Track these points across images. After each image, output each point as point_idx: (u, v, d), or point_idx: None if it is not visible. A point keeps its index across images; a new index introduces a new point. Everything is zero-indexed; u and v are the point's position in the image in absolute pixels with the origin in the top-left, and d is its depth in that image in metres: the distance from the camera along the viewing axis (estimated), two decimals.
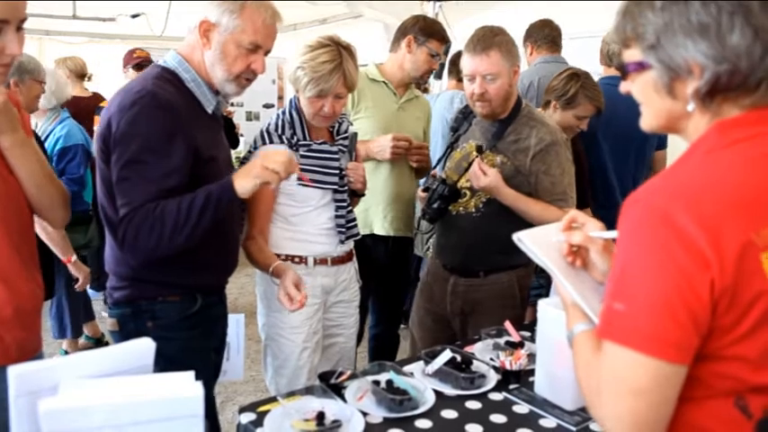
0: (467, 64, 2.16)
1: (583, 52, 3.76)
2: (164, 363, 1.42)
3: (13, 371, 0.96)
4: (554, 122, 2.29)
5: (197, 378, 1.77)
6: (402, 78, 2.76)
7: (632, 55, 0.98)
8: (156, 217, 1.57)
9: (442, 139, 3.26)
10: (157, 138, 1.59)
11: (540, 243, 1.19)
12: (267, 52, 1.75)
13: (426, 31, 2.69)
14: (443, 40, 2.75)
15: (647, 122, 1.03)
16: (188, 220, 1.58)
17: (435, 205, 2.22)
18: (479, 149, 2.19)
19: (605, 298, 0.94)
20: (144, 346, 1.09)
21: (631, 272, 0.90)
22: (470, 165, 2.15)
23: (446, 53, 3.43)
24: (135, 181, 1.58)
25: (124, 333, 1.73)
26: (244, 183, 1.61)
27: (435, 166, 2.39)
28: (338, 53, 2.04)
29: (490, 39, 2.12)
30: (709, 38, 0.88)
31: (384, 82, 2.74)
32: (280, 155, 1.66)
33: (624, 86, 1.04)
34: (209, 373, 1.89)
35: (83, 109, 4.93)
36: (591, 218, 1.18)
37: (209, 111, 1.77)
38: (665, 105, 0.97)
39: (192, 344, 1.77)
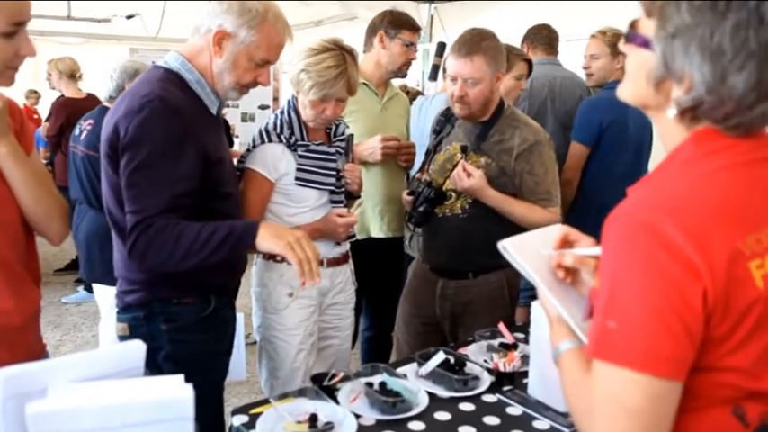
0: (450, 65, 2.17)
1: (579, 53, 3.77)
2: (178, 366, 1.43)
3: (2, 373, 0.95)
4: (537, 124, 2.30)
5: (212, 381, 1.78)
6: (381, 76, 2.77)
7: (647, 28, 0.94)
8: (171, 235, 1.55)
9: None
10: (168, 142, 1.57)
11: (526, 253, 1.15)
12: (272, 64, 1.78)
13: (395, 23, 2.72)
14: (414, 28, 2.77)
15: (624, 95, 1.01)
16: (203, 248, 1.56)
17: (421, 209, 2.22)
18: (464, 150, 2.19)
19: (595, 315, 0.92)
20: (134, 349, 1.09)
21: (620, 288, 0.87)
22: (455, 167, 2.15)
23: (440, 54, 3.44)
24: (145, 187, 1.56)
25: (135, 337, 1.64)
26: (267, 238, 1.59)
27: (420, 170, 2.38)
28: (343, 58, 2.05)
29: (476, 43, 2.11)
30: (716, 65, 0.86)
31: (365, 83, 2.73)
32: (315, 249, 1.63)
33: (623, 47, 1.00)
34: (222, 376, 1.89)
35: (78, 110, 4.92)
36: (583, 234, 1.15)
37: (214, 112, 1.77)
38: (646, 92, 0.95)
39: (207, 346, 1.77)
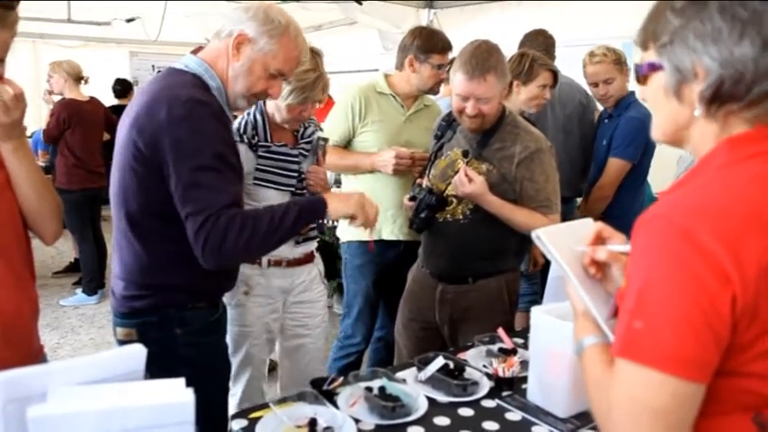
0: (461, 85, 2.13)
1: (577, 59, 3.78)
2: (193, 368, 1.45)
3: (1, 377, 0.95)
4: (538, 131, 2.30)
5: (222, 381, 1.84)
6: (410, 92, 2.77)
7: (648, 56, 1.00)
8: (246, 219, 1.55)
9: None
10: (221, 146, 1.58)
11: (559, 244, 1.16)
12: (285, 79, 1.80)
13: (424, 48, 2.68)
14: (444, 49, 2.73)
15: (656, 131, 1.04)
16: (281, 225, 1.60)
17: (423, 215, 2.22)
18: (465, 154, 2.20)
19: (621, 315, 0.93)
20: (135, 353, 1.08)
21: (651, 289, 0.88)
22: (457, 172, 2.16)
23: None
24: (210, 187, 1.54)
25: (145, 342, 1.57)
26: (340, 207, 1.74)
27: (422, 175, 2.39)
28: (316, 61, 2.10)
29: (487, 61, 2.09)
30: (719, 43, 0.90)
31: (392, 95, 2.75)
32: (376, 208, 1.82)
33: (641, 92, 1.05)
34: (229, 375, 1.93)
35: (80, 112, 4.92)
36: (616, 232, 1.16)
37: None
38: (672, 109, 0.98)
39: (216, 348, 1.82)
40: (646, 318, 0.87)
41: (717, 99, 0.92)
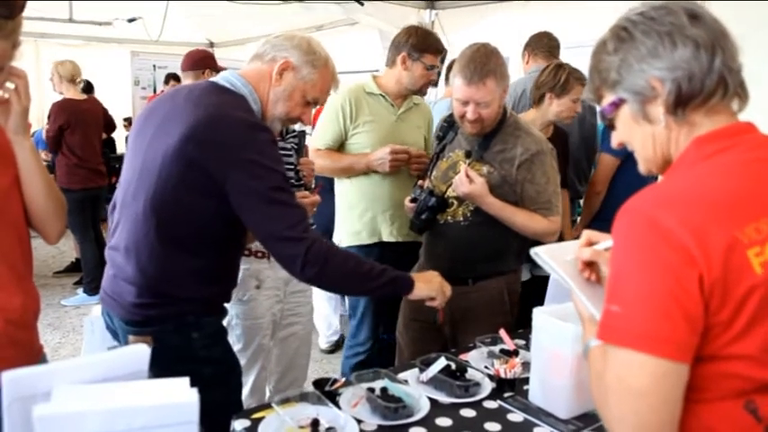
0: (461, 90, 2.13)
1: (580, 61, 3.80)
2: (218, 366, 1.65)
3: (7, 376, 0.95)
4: (540, 133, 2.30)
5: (236, 375, 1.89)
6: (400, 91, 2.76)
7: (606, 100, 1.09)
8: (349, 255, 1.75)
9: None
10: (284, 168, 1.67)
11: (557, 258, 1.23)
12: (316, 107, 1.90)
13: (419, 46, 2.68)
14: (438, 51, 2.73)
15: (643, 165, 1.12)
16: (374, 279, 1.74)
17: (423, 216, 2.23)
18: (468, 155, 2.20)
19: (604, 302, 0.98)
20: (139, 352, 1.09)
21: (624, 275, 0.94)
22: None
23: (442, 61, 3.45)
24: (293, 205, 1.63)
25: (163, 348, 1.45)
26: (424, 289, 1.85)
27: (423, 176, 2.39)
28: None
29: (485, 66, 2.09)
30: (660, 56, 1.00)
31: (381, 95, 2.74)
32: (448, 286, 1.92)
33: (615, 138, 1.13)
34: (241, 372, 1.98)
35: (78, 112, 4.93)
36: (605, 235, 1.20)
37: None
38: (647, 133, 1.06)
39: (229, 347, 1.89)
40: (621, 301, 0.94)
41: (681, 102, 1.00)
